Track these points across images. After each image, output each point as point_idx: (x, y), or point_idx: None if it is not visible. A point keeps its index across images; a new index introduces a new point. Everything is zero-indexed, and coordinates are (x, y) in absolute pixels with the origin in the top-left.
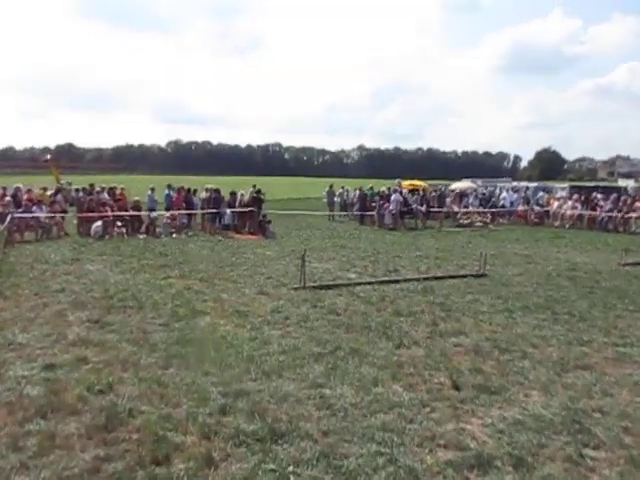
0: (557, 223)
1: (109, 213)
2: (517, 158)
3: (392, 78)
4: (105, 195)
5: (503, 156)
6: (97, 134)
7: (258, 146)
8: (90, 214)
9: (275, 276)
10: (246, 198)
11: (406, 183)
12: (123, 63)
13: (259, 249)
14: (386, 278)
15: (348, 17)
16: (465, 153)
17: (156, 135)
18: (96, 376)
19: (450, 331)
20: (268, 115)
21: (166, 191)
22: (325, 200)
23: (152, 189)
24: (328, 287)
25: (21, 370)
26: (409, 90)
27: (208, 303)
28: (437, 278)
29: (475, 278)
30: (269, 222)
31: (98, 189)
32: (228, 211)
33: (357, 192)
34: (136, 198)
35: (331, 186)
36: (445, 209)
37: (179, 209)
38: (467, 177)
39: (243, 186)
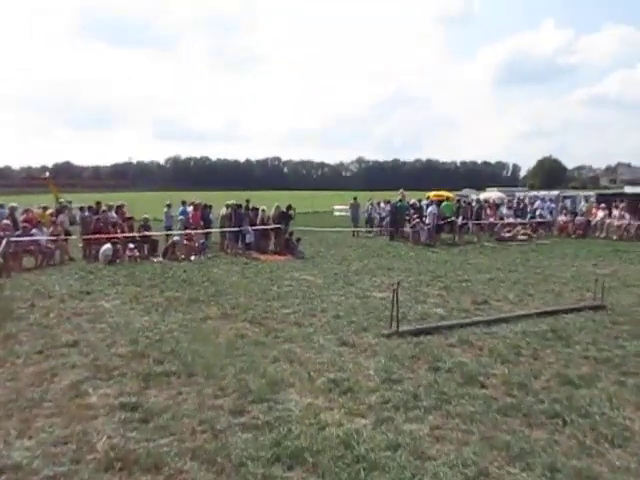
0: (603, 235)
1: (119, 234)
2: (516, 167)
3: (390, 91)
4: (113, 214)
5: (502, 165)
6: (94, 152)
7: (257, 160)
8: (98, 236)
9: (343, 314)
10: (270, 214)
11: (432, 194)
12: (121, 80)
13: (296, 273)
14: (489, 317)
15: (346, 31)
16: (464, 163)
17: (154, 152)
18: None
19: None
20: (266, 130)
21: (181, 207)
22: (343, 214)
23: (169, 205)
24: (427, 332)
25: None
26: (407, 103)
27: (281, 364)
28: (550, 313)
29: (594, 311)
30: (298, 240)
31: (104, 207)
32: (250, 229)
33: (386, 205)
34: (145, 215)
35: (355, 199)
36: (483, 221)
37: (196, 228)
38: (466, 187)
39: (230, 199)
